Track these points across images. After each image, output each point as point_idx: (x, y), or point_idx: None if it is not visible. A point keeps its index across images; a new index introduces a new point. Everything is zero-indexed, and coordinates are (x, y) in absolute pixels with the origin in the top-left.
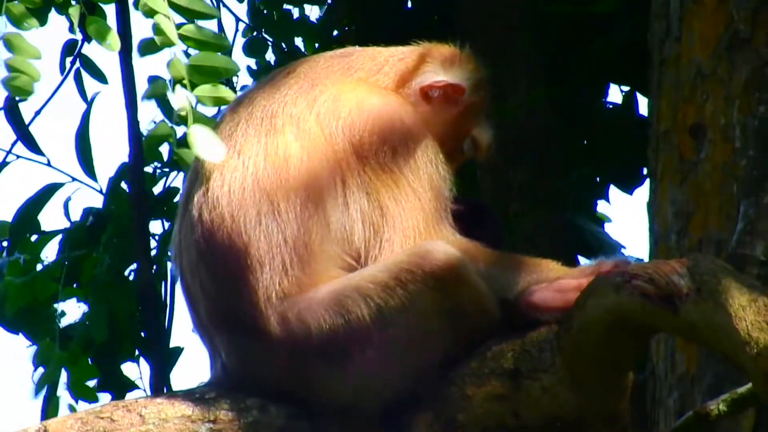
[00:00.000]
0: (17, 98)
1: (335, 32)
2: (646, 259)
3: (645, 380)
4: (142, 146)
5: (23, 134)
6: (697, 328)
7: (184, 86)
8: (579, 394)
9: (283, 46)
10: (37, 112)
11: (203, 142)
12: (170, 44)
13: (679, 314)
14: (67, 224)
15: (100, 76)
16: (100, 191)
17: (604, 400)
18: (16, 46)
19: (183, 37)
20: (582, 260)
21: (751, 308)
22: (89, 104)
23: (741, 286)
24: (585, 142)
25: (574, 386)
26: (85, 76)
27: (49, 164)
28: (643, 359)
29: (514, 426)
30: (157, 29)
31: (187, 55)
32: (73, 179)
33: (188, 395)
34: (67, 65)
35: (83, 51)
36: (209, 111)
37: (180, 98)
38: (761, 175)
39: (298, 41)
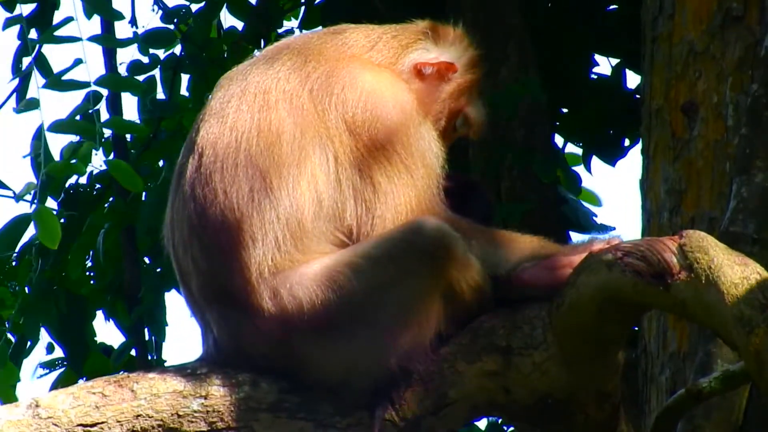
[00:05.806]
0: None
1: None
2: (638, 236)
3: (637, 357)
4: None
5: None
6: (688, 306)
7: None
8: (570, 371)
9: None
10: None
11: None
12: None
13: (670, 291)
14: None
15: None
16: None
17: (595, 377)
18: None
19: None
20: (574, 236)
21: (743, 286)
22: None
23: (733, 264)
24: (569, 112)
25: (565, 363)
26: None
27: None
28: (635, 337)
29: (505, 402)
30: None
31: None
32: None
33: (180, 370)
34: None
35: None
36: None
37: None
38: (754, 153)
39: None
